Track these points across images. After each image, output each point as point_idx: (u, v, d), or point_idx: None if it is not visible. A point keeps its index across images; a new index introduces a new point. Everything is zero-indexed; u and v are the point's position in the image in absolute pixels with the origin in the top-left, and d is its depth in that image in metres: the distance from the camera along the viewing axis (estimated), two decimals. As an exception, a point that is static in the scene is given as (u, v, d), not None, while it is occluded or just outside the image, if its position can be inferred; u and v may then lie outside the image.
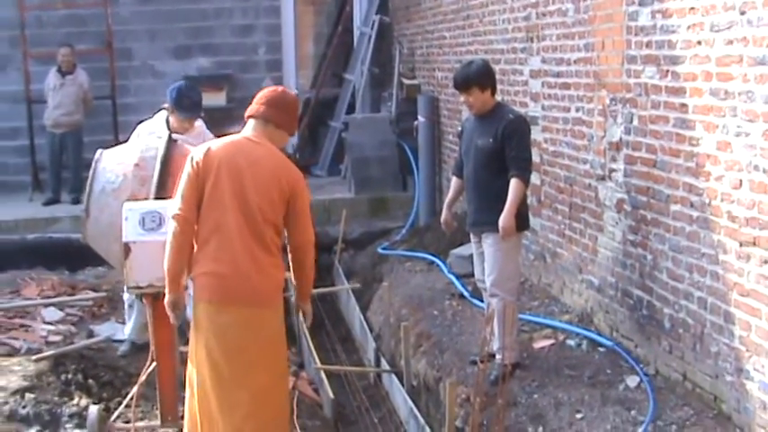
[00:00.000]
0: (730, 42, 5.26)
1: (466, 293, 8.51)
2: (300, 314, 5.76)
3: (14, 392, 6.24)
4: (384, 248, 11.04)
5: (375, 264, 10.89)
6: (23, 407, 6.09)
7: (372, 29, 13.74)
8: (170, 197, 5.66)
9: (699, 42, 5.58)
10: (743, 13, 5.12)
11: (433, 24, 11.75)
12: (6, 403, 6.10)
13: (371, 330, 9.08)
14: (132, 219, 5.57)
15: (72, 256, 10.65)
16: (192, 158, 5.05)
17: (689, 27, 5.67)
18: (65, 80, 12.46)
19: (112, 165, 6.31)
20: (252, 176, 5.00)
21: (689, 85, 5.71)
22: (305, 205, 5.21)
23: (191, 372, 5.09)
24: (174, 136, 6.51)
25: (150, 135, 7.05)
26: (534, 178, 8.13)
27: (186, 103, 7.08)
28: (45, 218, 11.98)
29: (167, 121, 7.17)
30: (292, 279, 5.52)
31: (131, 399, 5.71)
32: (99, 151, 6.48)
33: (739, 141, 5.23)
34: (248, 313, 4.99)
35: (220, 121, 8.74)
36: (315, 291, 9.69)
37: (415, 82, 12.57)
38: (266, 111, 5.15)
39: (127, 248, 5.54)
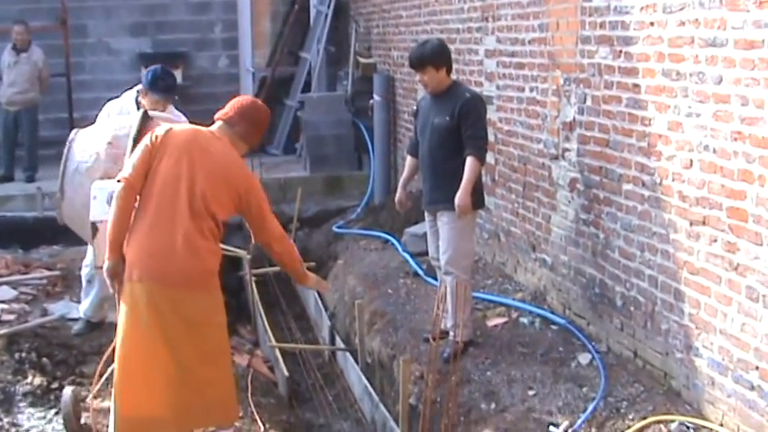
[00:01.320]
0: (682, 24, 5.32)
1: (420, 272, 8.55)
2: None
3: (-33, 371, 6.19)
4: (339, 227, 11.05)
5: (330, 242, 10.90)
6: (-24, 385, 6.04)
7: (329, 7, 13.67)
8: None
9: (651, 23, 5.64)
10: (695, -6, 5.19)
11: (389, 3, 11.75)
12: (-42, 381, 6.05)
13: (326, 309, 9.12)
14: (100, 197, 5.51)
15: (26, 235, 10.62)
16: (153, 133, 5.04)
17: (642, 8, 5.73)
18: (19, 58, 12.31)
19: (86, 144, 6.24)
20: (204, 165, 4.97)
21: (642, 66, 5.78)
22: (262, 205, 5.19)
23: (117, 347, 5.00)
24: (150, 112, 6.47)
25: (121, 114, 6.99)
26: (489, 157, 8.16)
27: (161, 86, 7.02)
28: (-1, 196, 11.88)
29: (137, 101, 7.11)
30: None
31: (100, 377, 5.67)
32: (74, 131, 6.42)
33: (690, 122, 5.30)
34: (176, 294, 4.92)
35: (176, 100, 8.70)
36: (270, 269, 9.86)
37: (371, 61, 12.57)
38: (235, 118, 5.16)
39: (94, 228, 5.47)
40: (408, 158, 7.07)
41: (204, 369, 5.03)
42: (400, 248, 9.38)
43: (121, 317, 4.97)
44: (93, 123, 6.76)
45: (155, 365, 4.90)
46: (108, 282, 5.05)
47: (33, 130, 12.61)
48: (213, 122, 5.25)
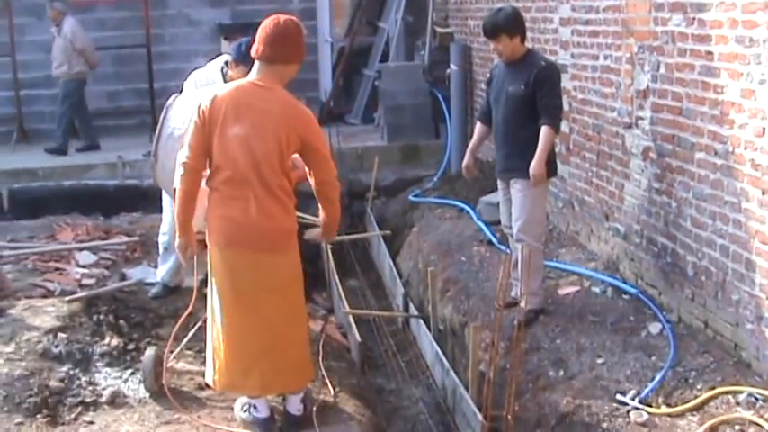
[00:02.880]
0: (756, -11, 5.24)
1: (494, 240, 8.56)
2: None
3: (48, 332, 6.36)
4: (415, 196, 11.10)
5: (406, 211, 10.96)
6: (56, 346, 6.21)
7: (407, -23, 13.69)
8: None
9: (725, -11, 5.56)
10: (768, -41, 5.09)
11: (466, -28, 11.71)
12: (40, 342, 6.22)
13: (400, 276, 9.18)
14: None
15: (107, 202, 10.91)
16: (199, 106, 5.02)
17: (716, -27, 5.65)
18: (55, 33, 12.69)
19: (181, 111, 6.38)
20: (258, 123, 4.95)
21: (714, 33, 5.70)
22: (320, 144, 5.16)
23: (210, 309, 5.19)
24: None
25: (208, 85, 7.11)
26: (563, 126, 8.12)
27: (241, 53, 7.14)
28: (81, 164, 12.19)
29: (222, 73, 7.22)
30: (320, 218, 5.52)
31: (175, 340, 5.87)
32: (173, 96, 6.56)
33: (763, 89, 5.23)
34: (257, 258, 5.05)
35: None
36: (347, 237, 9.97)
37: (448, 30, 12.54)
38: (269, 51, 4.96)
39: (176, 194, 5.63)
40: (478, 125, 7.08)
41: (289, 330, 5.23)
42: (475, 217, 9.41)
43: (216, 281, 5.12)
44: (173, 94, 6.88)
45: (251, 328, 5.09)
46: (180, 256, 5.20)
47: (67, 102, 12.93)
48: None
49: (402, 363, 7.66)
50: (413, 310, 8.31)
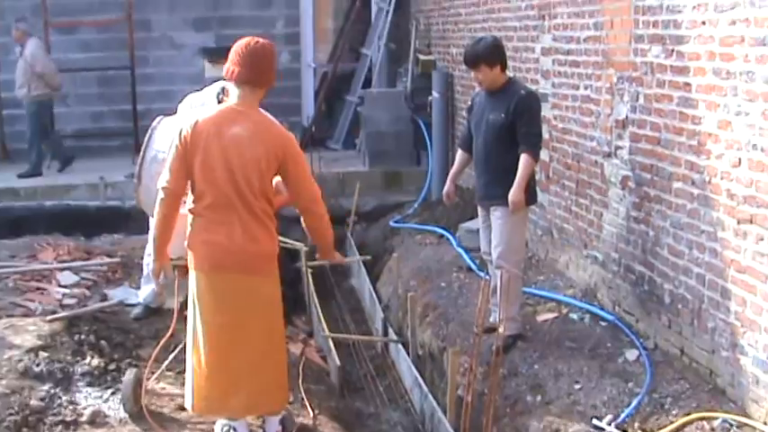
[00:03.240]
0: (733, 23, 5.35)
1: (473, 266, 8.64)
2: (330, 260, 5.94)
3: (29, 351, 6.38)
4: (396, 222, 11.18)
5: (386, 237, 11.04)
6: (37, 364, 6.23)
7: (390, 4, 13.84)
8: None
9: (703, 22, 5.66)
10: (746, -6, 5.21)
11: (448, 1, 11.84)
12: (21, 360, 6.24)
13: (380, 301, 9.23)
14: None
15: (88, 223, 10.92)
16: (181, 131, 5.04)
17: (694, 7, 5.76)
18: (18, 53, 12.80)
19: (166, 134, 6.44)
20: (238, 148, 4.98)
21: (693, 65, 5.81)
22: (300, 165, 5.20)
23: (191, 332, 5.21)
24: None
25: (202, 106, 7.17)
26: (543, 154, 8.23)
27: None
28: (63, 185, 12.21)
29: (218, 98, 7.28)
30: (304, 244, 5.58)
31: (156, 361, 5.90)
32: (158, 118, 6.61)
33: (739, 120, 5.33)
34: (242, 281, 5.09)
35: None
36: (324, 262, 9.98)
37: (430, 57, 12.67)
38: (243, 73, 4.99)
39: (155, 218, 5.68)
40: (459, 152, 7.18)
41: (272, 351, 5.28)
42: (455, 243, 9.49)
43: (199, 305, 5.13)
44: (157, 116, 6.93)
45: (236, 351, 5.12)
46: (154, 279, 5.22)
47: (31, 124, 12.92)
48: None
49: (381, 387, 7.68)
50: (392, 335, 8.35)
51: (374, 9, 14.38)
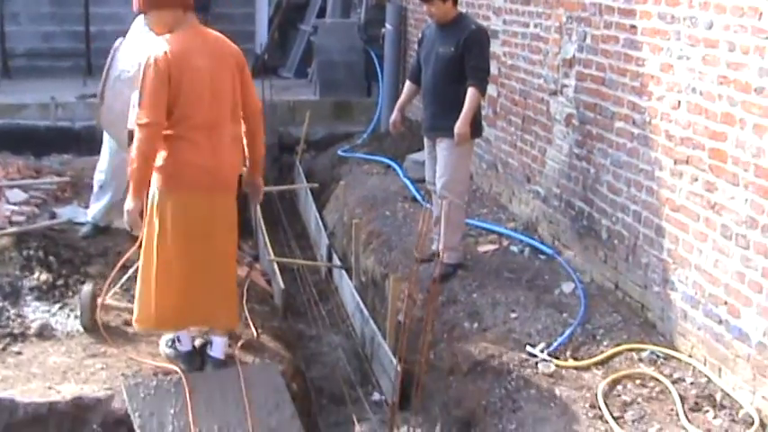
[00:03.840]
0: (679, -32, 5.50)
1: (418, 197, 8.80)
2: (251, 192, 5.79)
3: (-24, 265, 6.47)
4: (344, 151, 11.28)
5: (334, 165, 11.14)
6: (-16, 279, 6.33)
7: (348, -69, 13.77)
8: None
9: (651, -34, 5.81)
10: (693, -61, 5.35)
11: (406, -69, 11.85)
12: (-33, 275, 6.34)
13: (326, 228, 9.38)
14: None
15: (38, 143, 10.89)
16: (154, 64, 5.02)
17: (643, -50, 5.90)
18: None
19: (129, 53, 6.46)
20: (214, 65, 5.15)
21: (639, 8, 5.96)
22: (248, 74, 5.41)
23: (149, 250, 5.27)
24: None
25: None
26: (491, 90, 8.39)
27: (199, 4, 7.22)
28: (14, 104, 12.09)
29: None
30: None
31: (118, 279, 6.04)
32: (119, 40, 6.62)
33: (681, 64, 5.50)
34: (218, 199, 5.27)
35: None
36: (274, 188, 10.13)
37: (385, -11, 12.68)
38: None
39: (131, 135, 5.72)
40: (407, 83, 7.30)
41: (232, 266, 5.54)
42: (401, 174, 9.63)
43: (171, 223, 5.17)
44: (115, 38, 6.93)
45: (210, 265, 5.30)
46: (128, 219, 5.16)
47: None
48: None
49: (324, 311, 7.87)
50: (336, 261, 8.52)
51: (332, -64, 14.30)
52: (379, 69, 12.31)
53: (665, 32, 5.66)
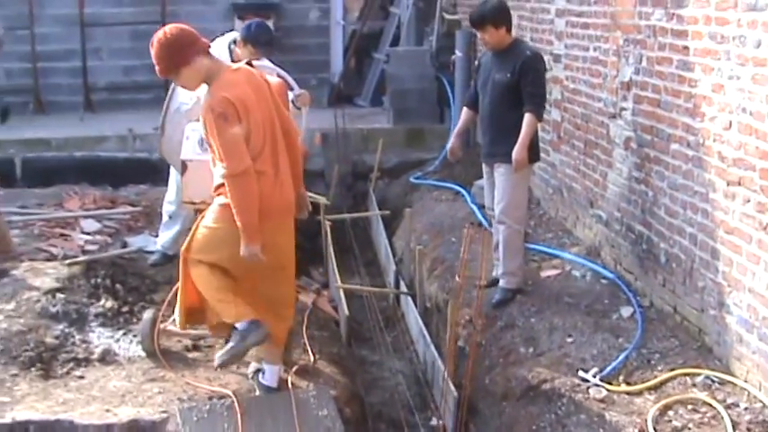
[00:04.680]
0: (727, -12, 5.46)
1: (485, 222, 8.79)
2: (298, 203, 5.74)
3: (47, 292, 6.69)
4: (416, 178, 11.35)
5: (407, 192, 11.22)
6: (54, 305, 6.53)
7: (419, -37, 13.93)
8: None
9: (701, -13, 5.77)
10: (739, -42, 5.31)
11: (474, -40, 11.91)
12: (39, 301, 6.55)
13: (394, 255, 9.44)
14: (192, 138, 5.96)
15: (116, 174, 11.21)
16: (223, 111, 5.05)
17: (693, -29, 5.87)
18: None
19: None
20: (259, 97, 5.27)
21: (691, 29, 5.91)
22: (277, 92, 5.65)
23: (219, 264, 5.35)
24: (254, 62, 6.90)
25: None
26: (555, 114, 8.41)
27: (264, 40, 7.43)
28: (94, 136, 12.47)
29: (230, 49, 7.49)
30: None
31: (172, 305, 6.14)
32: None
33: (731, 84, 5.44)
34: (288, 220, 5.52)
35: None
36: (347, 216, 10.27)
37: (455, 17, 12.75)
38: (187, 54, 5.18)
39: (184, 166, 5.93)
40: (465, 110, 7.34)
41: (290, 287, 5.76)
42: (469, 200, 9.66)
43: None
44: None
45: (281, 287, 5.57)
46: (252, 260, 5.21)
47: None
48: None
49: (389, 337, 7.92)
50: (402, 288, 8.57)
51: (403, -33, 14.48)
52: (450, 96, 12.37)
53: (715, 52, 5.61)
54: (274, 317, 5.52)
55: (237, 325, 5.37)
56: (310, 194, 10.09)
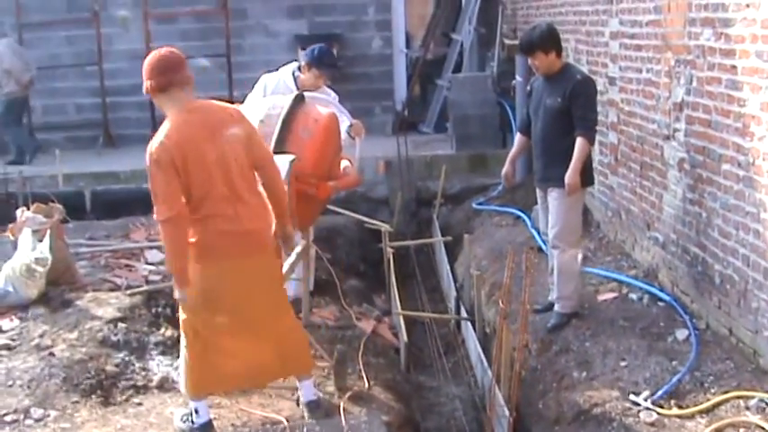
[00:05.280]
0: (773, 6, 5.43)
1: (543, 247, 8.78)
2: (282, 241, 5.56)
3: (109, 321, 6.86)
4: (479, 204, 11.37)
5: (469, 218, 11.24)
6: (115, 334, 6.70)
7: (479, -10, 14.03)
8: (288, 152, 6.12)
9: (747, 5, 5.73)
10: (784, -23, 5.28)
11: (532, -15, 11.98)
12: (101, 330, 6.71)
13: (455, 281, 9.46)
14: None
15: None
16: (157, 158, 4.99)
17: (739, -9, 5.84)
18: None
19: (245, 112, 6.82)
20: (215, 136, 5.11)
21: (738, 48, 5.88)
22: (263, 143, 5.48)
23: (192, 324, 5.37)
24: (306, 93, 7.05)
25: (278, 88, 7.56)
26: (612, 137, 8.40)
27: (328, 61, 7.60)
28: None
29: (294, 76, 7.65)
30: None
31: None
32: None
33: (779, 103, 5.41)
34: (255, 261, 5.31)
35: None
36: (409, 243, 10.33)
37: (515, 42, 12.73)
38: (162, 81, 5.10)
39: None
40: (518, 136, 7.36)
41: (278, 323, 5.52)
42: (529, 224, 9.65)
43: (208, 297, 5.27)
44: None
45: (242, 331, 5.41)
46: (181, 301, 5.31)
47: (2, 120, 13.60)
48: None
49: (448, 363, 7.94)
50: (463, 313, 8.58)
51: (465, -6, 14.59)
52: (512, 121, 12.38)
53: (762, 71, 5.57)
54: (274, 363, 5.53)
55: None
56: (372, 222, 10.28)
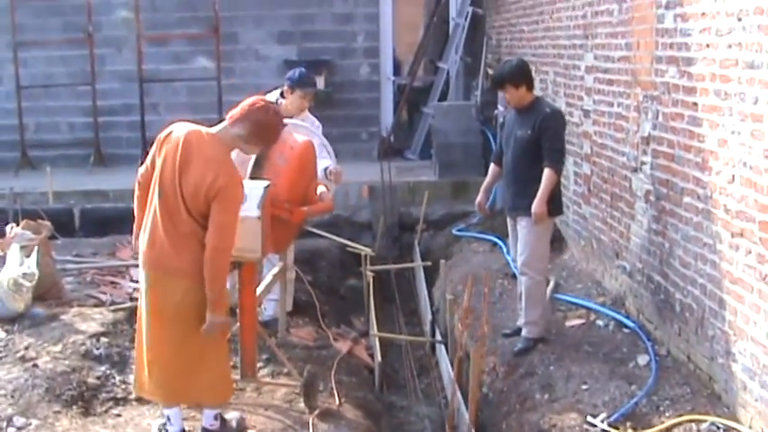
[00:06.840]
0: (729, 46, 5.69)
1: (517, 273, 9.02)
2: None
3: (91, 336, 7.08)
4: (459, 230, 11.61)
5: (449, 244, 11.47)
6: (98, 348, 6.92)
7: (466, 20, 14.30)
8: (264, 178, 6.30)
9: (707, 45, 6.01)
10: (739, 19, 5.54)
11: (516, 18, 12.24)
12: (83, 344, 6.93)
13: (432, 305, 9.69)
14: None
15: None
16: (161, 134, 5.39)
17: (701, 31, 6.10)
18: None
19: None
20: (187, 168, 5.22)
21: (699, 86, 6.15)
22: (223, 211, 5.21)
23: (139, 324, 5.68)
24: (288, 121, 7.25)
25: None
26: (586, 168, 8.66)
27: (308, 81, 7.85)
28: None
29: (277, 104, 7.87)
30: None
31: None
32: None
33: (734, 139, 5.67)
34: (168, 281, 5.37)
35: (319, 105, 9.57)
36: (386, 267, 10.56)
37: (498, 72, 13.03)
38: (238, 119, 5.38)
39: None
40: (492, 166, 7.62)
41: (189, 355, 5.52)
42: (505, 251, 9.89)
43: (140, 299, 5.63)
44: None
45: (153, 343, 5.53)
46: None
47: None
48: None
49: (421, 384, 8.16)
50: (438, 337, 8.81)
51: (451, 24, 14.85)
52: (494, 149, 12.60)
53: (720, 108, 5.84)
54: (185, 386, 5.59)
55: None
56: (353, 245, 10.51)
